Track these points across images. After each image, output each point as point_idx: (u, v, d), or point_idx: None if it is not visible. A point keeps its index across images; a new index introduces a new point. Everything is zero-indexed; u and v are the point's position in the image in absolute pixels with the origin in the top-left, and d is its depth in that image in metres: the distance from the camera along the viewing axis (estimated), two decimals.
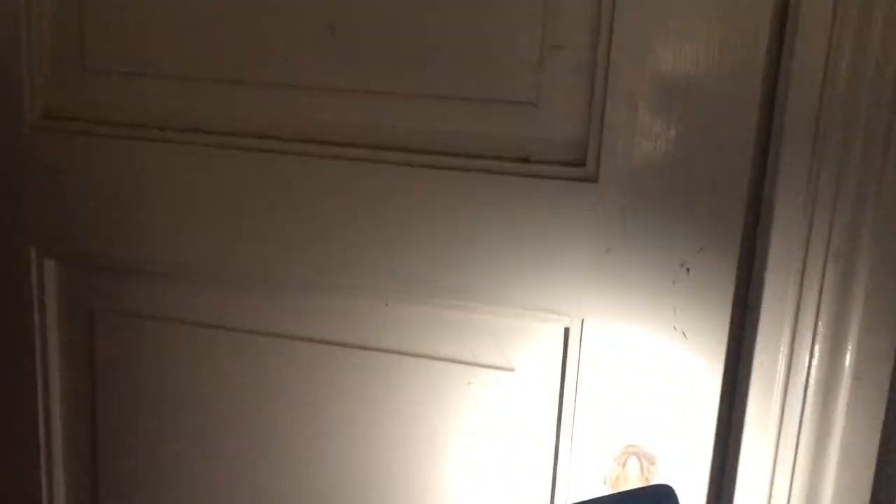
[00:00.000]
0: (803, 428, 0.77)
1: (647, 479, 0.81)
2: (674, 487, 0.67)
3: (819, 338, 0.76)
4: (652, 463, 0.81)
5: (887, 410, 0.74)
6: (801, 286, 0.75)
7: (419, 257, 0.85)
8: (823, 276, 0.75)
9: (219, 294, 0.94)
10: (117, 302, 0.98)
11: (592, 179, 0.79)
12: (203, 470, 0.99)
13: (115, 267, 0.97)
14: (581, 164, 0.79)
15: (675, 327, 0.79)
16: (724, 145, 0.75)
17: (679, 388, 0.80)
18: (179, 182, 0.91)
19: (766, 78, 0.74)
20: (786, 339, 0.76)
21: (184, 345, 0.97)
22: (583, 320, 0.81)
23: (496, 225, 0.82)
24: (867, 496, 0.77)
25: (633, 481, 0.82)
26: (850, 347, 0.74)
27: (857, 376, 0.75)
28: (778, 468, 0.79)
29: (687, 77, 0.75)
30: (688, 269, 0.78)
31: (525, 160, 0.82)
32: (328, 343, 0.91)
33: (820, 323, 0.76)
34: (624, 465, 0.82)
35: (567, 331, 0.83)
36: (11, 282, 1.00)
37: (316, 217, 0.87)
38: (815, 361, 0.77)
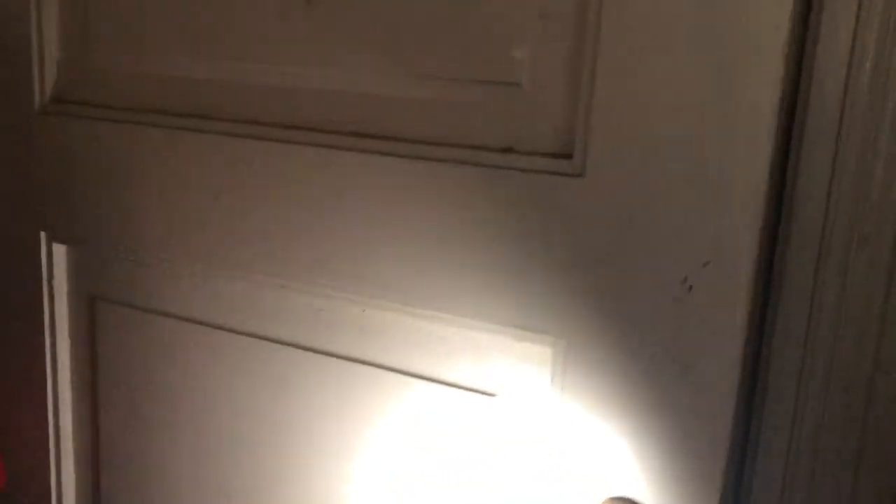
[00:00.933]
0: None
1: None
2: None
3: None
4: None
5: None
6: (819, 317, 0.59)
7: (387, 258, 0.75)
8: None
9: (204, 289, 0.89)
10: (115, 290, 0.96)
11: (579, 174, 0.66)
12: (187, 461, 0.95)
13: (113, 255, 0.94)
14: (567, 155, 0.67)
15: (674, 357, 0.65)
16: (738, 138, 0.60)
17: (679, 433, 0.66)
18: (163, 169, 0.87)
19: (789, 56, 0.58)
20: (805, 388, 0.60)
21: (169, 338, 0.92)
22: (567, 343, 0.69)
23: (470, 224, 0.71)
24: None
25: None
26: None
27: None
28: None
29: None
30: (690, 287, 0.63)
31: (509, 150, 0.70)
32: (304, 349, 0.84)
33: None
34: None
35: (549, 354, 0.70)
36: (23, 264, 1.00)
37: (280, 208, 0.79)
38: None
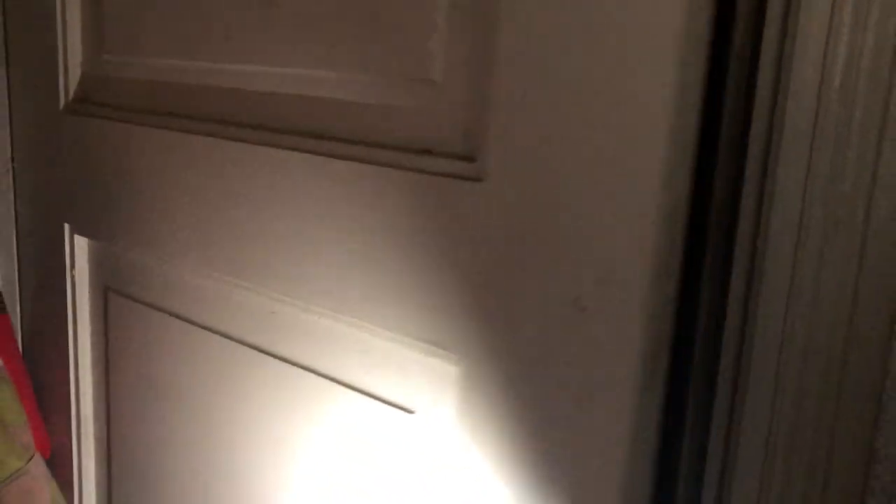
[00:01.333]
0: None
1: None
2: None
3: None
4: None
5: None
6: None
7: (315, 261, 0.72)
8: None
9: (187, 286, 0.90)
10: (122, 282, 1.00)
11: (480, 179, 0.60)
12: (172, 453, 0.96)
13: (122, 249, 0.98)
14: (472, 158, 0.61)
15: (568, 386, 0.57)
16: (632, 146, 0.52)
17: (572, 473, 0.58)
18: (151, 167, 0.89)
19: (687, 60, 0.50)
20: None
21: (160, 331, 0.95)
22: (469, 364, 0.63)
23: (390, 231, 0.66)
24: None
25: None
26: None
27: None
28: None
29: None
30: (583, 308, 0.56)
31: (427, 152, 0.65)
32: (262, 351, 0.82)
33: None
34: None
35: (455, 374, 0.64)
36: (52, 254, 1.06)
37: (231, 207, 0.79)
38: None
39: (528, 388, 0.59)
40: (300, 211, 0.72)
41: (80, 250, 1.04)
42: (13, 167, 1.11)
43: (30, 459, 1.04)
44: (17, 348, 1.13)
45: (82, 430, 1.09)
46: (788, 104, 0.57)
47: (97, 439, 1.09)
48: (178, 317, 0.92)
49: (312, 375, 0.77)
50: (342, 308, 0.71)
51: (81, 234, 1.03)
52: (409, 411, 0.70)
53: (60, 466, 1.11)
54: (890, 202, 0.59)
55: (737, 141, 0.58)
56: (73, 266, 1.05)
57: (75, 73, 1.00)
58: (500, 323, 0.60)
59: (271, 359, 0.81)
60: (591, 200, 0.54)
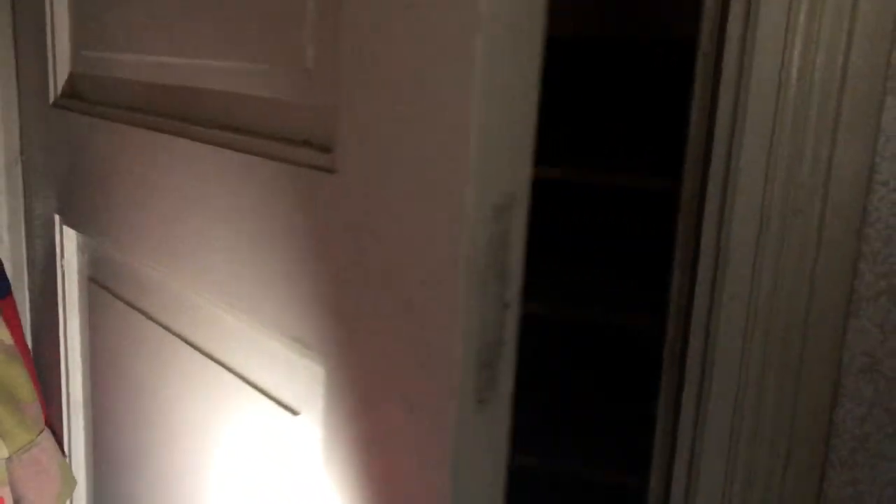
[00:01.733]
0: None
1: None
2: None
3: None
4: None
5: None
6: None
7: (210, 254, 0.71)
8: None
9: (140, 279, 0.92)
10: (103, 276, 1.02)
11: (333, 171, 0.57)
12: (131, 449, 0.98)
13: (98, 241, 1.01)
14: (329, 149, 0.58)
15: (404, 395, 0.53)
16: (445, 145, 0.48)
17: (410, 486, 0.54)
18: (114, 162, 0.91)
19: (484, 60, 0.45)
20: None
21: (125, 324, 0.96)
22: (330, 366, 0.60)
23: (269, 224, 0.65)
24: None
25: None
26: None
27: None
28: None
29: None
30: (412, 310, 0.52)
31: (306, 143, 0.63)
32: (193, 346, 0.82)
33: None
34: None
35: (322, 376, 0.61)
36: (48, 243, 1.11)
37: (142, 196, 0.79)
38: None
39: (377, 393, 0.56)
40: (191, 202, 0.72)
41: (68, 241, 1.08)
42: (22, 160, 1.17)
43: (40, 433, 1.09)
44: (23, 331, 1.18)
45: (72, 415, 1.13)
46: (750, 99, 0.60)
47: (85, 427, 1.13)
48: (134, 307, 0.93)
49: (226, 372, 0.76)
50: (235, 304, 0.70)
51: (68, 224, 1.07)
52: (295, 412, 0.68)
53: None
54: (845, 191, 0.64)
55: (703, 135, 0.64)
56: (62, 255, 1.09)
57: (63, 70, 1.03)
58: (355, 323, 0.57)
59: (198, 353, 0.81)
60: (418, 200, 0.50)
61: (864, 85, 0.63)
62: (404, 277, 0.52)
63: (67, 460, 1.15)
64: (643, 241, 2.02)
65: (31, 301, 1.20)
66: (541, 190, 2.12)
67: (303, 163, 0.60)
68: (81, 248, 1.07)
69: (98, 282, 1.03)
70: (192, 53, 0.73)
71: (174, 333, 0.84)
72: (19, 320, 1.17)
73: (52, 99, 1.04)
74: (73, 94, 1.02)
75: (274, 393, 0.69)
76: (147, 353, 0.91)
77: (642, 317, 1.55)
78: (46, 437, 1.09)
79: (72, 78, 1.03)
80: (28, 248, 1.20)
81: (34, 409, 1.08)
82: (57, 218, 1.08)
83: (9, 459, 1.04)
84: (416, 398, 0.52)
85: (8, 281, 1.15)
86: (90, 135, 0.95)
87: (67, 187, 1.04)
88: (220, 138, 0.67)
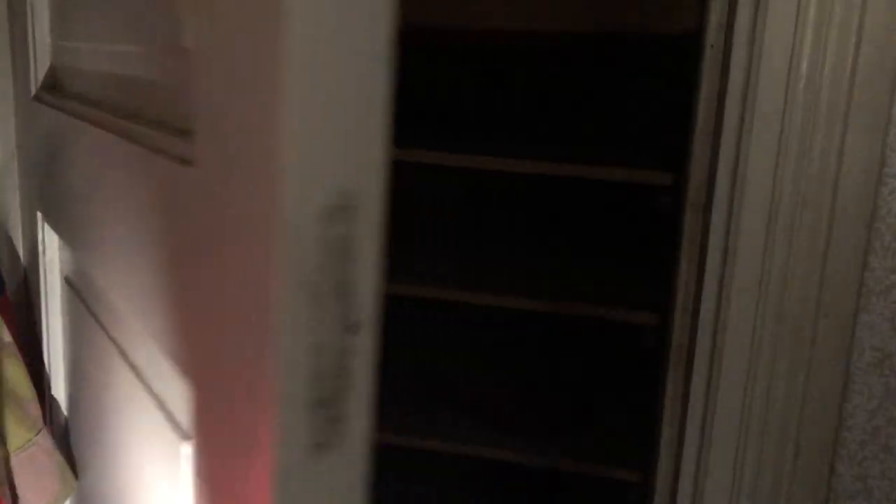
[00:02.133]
0: None
1: None
2: None
3: None
4: None
5: None
6: None
7: (119, 246, 0.64)
8: None
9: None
10: (75, 277, 0.99)
11: (191, 163, 0.49)
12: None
13: (65, 238, 0.97)
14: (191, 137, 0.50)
15: (244, 430, 0.44)
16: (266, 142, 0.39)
17: None
18: (68, 155, 0.87)
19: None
20: None
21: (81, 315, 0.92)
22: (200, 394, 0.52)
23: (135, 215, 0.57)
24: None
25: None
26: None
27: None
28: None
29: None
30: (253, 330, 0.43)
31: (188, 132, 0.55)
32: None
33: None
34: None
35: (196, 399, 0.53)
36: (34, 243, 1.08)
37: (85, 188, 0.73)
38: None
39: (228, 427, 0.47)
40: (104, 196, 0.65)
41: (49, 238, 1.05)
42: (18, 154, 1.15)
43: (38, 432, 1.07)
44: (19, 328, 1.16)
45: (54, 414, 1.10)
46: (759, 91, 0.60)
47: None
48: (90, 312, 0.89)
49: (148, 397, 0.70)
50: (133, 310, 0.63)
51: (47, 222, 1.04)
52: (188, 437, 0.60)
53: None
54: (855, 184, 0.62)
55: (711, 128, 0.64)
56: (44, 252, 1.06)
57: (44, 61, 1.00)
58: (224, 338, 0.49)
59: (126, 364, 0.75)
60: (252, 200, 0.42)
61: (875, 77, 0.62)
62: (241, 295, 0.43)
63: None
64: (636, 236, 1.91)
65: (16, 301, 1.17)
66: (551, 186, 1.99)
67: (172, 154, 0.52)
68: (62, 246, 1.03)
69: (70, 282, 0.99)
70: (105, 37, 0.67)
71: (110, 338, 0.78)
72: (16, 318, 1.15)
73: (32, 91, 1.01)
74: (54, 86, 0.99)
75: (176, 418, 0.62)
76: (97, 358, 0.86)
77: (641, 314, 1.43)
78: (45, 437, 1.06)
79: (52, 70, 0.99)
80: (24, 243, 1.18)
81: (34, 407, 1.05)
82: (39, 214, 1.05)
83: (8, 458, 1.01)
84: (252, 439, 0.43)
85: (3, 279, 1.13)
86: (56, 128, 0.91)
87: (46, 184, 1.00)
88: (111, 125, 0.60)
